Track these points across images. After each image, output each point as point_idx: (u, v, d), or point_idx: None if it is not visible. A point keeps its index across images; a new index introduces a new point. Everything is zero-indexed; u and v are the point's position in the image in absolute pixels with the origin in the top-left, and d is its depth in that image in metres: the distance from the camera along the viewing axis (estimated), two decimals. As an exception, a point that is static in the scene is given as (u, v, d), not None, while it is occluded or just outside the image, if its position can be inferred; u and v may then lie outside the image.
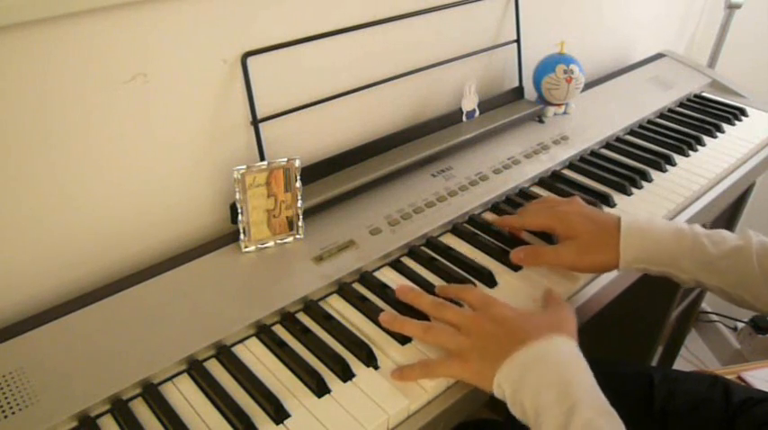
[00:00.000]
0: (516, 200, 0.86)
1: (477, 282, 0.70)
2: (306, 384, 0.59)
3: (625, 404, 0.81)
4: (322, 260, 0.71)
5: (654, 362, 1.41)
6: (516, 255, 0.73)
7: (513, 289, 0.71)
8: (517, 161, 0.92)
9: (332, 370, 0.60)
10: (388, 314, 0.64)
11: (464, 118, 0.95)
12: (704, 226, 0.72)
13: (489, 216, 0.84)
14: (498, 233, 0.79)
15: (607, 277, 0.75)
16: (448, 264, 0.74)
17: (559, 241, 0.73)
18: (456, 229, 0.80)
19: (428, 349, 0.62)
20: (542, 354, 0.56)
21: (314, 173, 0.79)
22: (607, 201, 0.86)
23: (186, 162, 0.73)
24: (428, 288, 0.70)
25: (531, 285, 0.71)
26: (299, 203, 0.73)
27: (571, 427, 0.49)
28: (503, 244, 0.77)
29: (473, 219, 0.82)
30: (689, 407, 0.79)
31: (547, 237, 0.77)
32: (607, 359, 0.89)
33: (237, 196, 0.70)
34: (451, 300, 0.66)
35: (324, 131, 0.85)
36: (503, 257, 0.74)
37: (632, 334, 1.28)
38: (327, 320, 0.65)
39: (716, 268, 0.66)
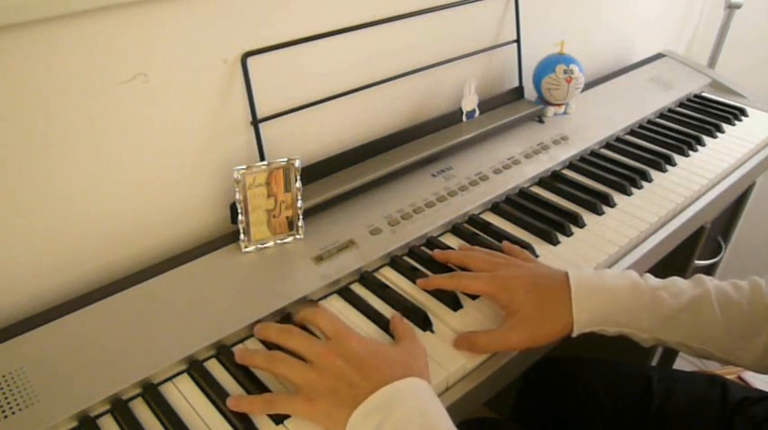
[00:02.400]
0: (516, 200, 0.86)
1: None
2: (306, 384, 0.58)
3: (623, 404, 0.82)
4: (322, 260, 0.71)
5: (654, 363, 1.41)
6: (458, 342, 0.63)
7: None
8: (517, 161, 0.92)
9: (332, 370, 0.60)
10: (239, 352, 0.59)
11: (464, 118, 0.95)
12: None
13: (494, 218, 0.83)
14: (498, 233, 0.79)
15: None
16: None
17: (504, 312, 0.65)
18: (456, 229, 0.80)
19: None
20: (400, 396, 0.51)
21: (314, 173, 0.79)
22: (607, 201, 0.86)
23: (186, 162, 0.73)
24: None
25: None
26: (299, 203, 0.73)
27: None
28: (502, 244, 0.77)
29: (473, 219, 0.82)
30: (687, 406, 0.79)
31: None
32: (605, 359, 0.89)
33: (237, 196, 0.70)
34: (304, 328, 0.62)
35: (324, 131, 0.85)
36: (503, 257, 0.74)
37: (632, 334, 1.28)
38: (327, 320, 0.65)
39: (677, 322, 0.62)
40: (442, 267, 0.72)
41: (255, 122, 0.74)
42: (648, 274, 0.66)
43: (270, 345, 0.61)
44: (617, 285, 0.63)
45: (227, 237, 0.74)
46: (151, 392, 0.57)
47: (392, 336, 0.63)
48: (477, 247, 0.74)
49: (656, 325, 0.62)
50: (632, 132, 1.08)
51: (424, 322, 0.65)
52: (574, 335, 0.62)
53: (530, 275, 0.65)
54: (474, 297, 0.69)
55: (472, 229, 0.80)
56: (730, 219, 1.32)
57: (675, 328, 0.62)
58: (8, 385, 0.55)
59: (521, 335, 0.61)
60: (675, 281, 0.65)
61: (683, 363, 1.75)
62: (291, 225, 0.74)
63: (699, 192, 0.92)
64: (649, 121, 1.12)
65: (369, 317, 0.66)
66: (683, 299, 0.62)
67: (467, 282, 0.67)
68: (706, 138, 1.06)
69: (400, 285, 0.71)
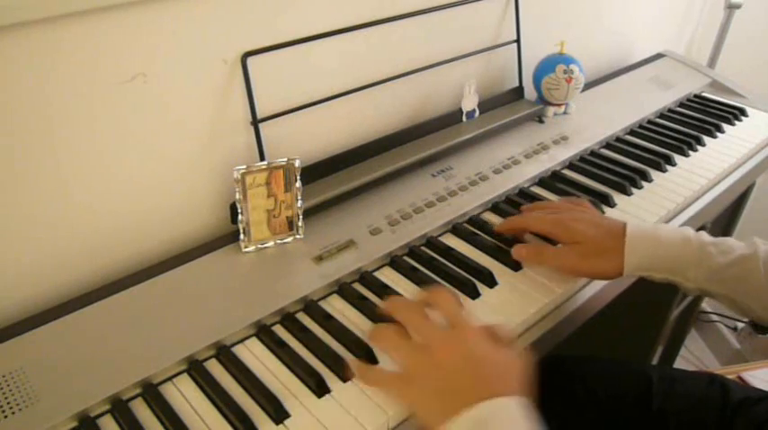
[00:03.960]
0: (516, 200, 0.86)
1: (476, 281, 0.70)
2: (306, 384, 0.59)
3: (624, 403, 0.82)
4: (322, 260, 0.71)
5: (654, 362, 1.41)
6: (518, 251, 0.72)
7: (513, 289, 0.71)
8: (517, 161, 0.92)
9: (332, 370, 0.60)
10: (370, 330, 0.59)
11: (464, 118, 0.95)
12: (705, 227, 0.72)
13: (493, 218, 0.83)
14: (498, 233, 0.79)
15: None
16: (448, 264, 0.74)
17: (563, 246, 0.71)
18: (456, 229, 0.80)
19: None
20: (501, 417, 0.49)
21: (314, 173, 0.79)
22: (607, 200, 0.86)
23: (186, 162, 0.73)
24: (430, 284, 0.70)
25: (531, 285, 0.71)
26: (299, 203, 0.73)
27: None
28: (503, 244, 0.77)
29: (473, 219, 0.82)
30: (687, 406, 0.79)
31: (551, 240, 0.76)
32: (606, 358, 0.89)
33: (237, 196, 0.70)
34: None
35: (324, 131, 0.85)
36: (503, 257, 0.74)
37: (632, 334, 1.28)
38: (327, 320, 0.65)
39: (722, 277, 0.65)
40: (446, 264, 0.73)
41: (255, 122, 0.74)
42: (704, 232, 0.69)
43: (294, 331, 0.62)
44: (668, 237, 0.67)
45: (227, 237, 0.74)
46: (151, 392, 0.57)
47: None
48: (537, 203, 0.80)
49: (701, 277, 0.66)
50: (632, 132, 1.08)
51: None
52: (624, 275, 0.67)
53: (590, 219, 0.71)
54: (475, 296, 0.69)
55: (472, 229, 0.80)
56: (730, 219, 1.32)
57: (720, 283, 0.66)
58: (8, 385, 0.55)
59: (580, 261, 0.68)
60: (727, 240, 0.68)
61: (682, 363, 1.75)
62: (291, 225, 0.74)
63: (699, 192, 0.92)
64: (649, 121, 1.12)
65: (369, 317, 0.66)
66: (731, 256, 0.66)
67: (533, 222, 0.75)
68: (706, 138, 1.06)
69: (400, 285, 0.71)
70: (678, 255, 0.66)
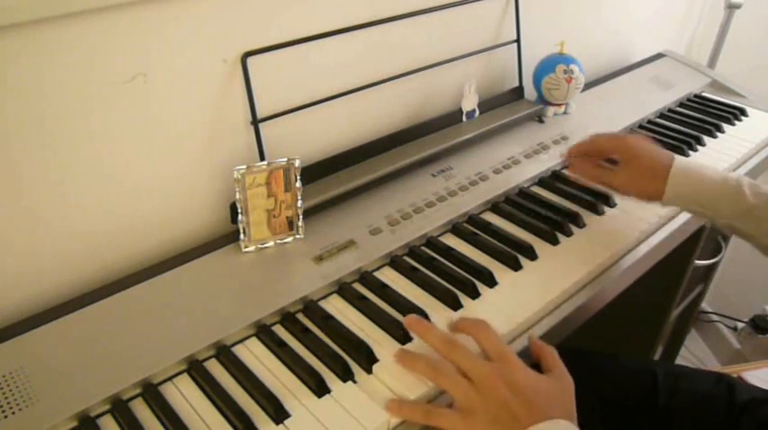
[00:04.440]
0: (516, 200, 0.86)
1: (477, 281, 0.70)
2: (306, 384, 0.59)
3: (629, 399, 0.81)
4: (322, 260, 0.71)
5: (656, 356, 1.41)
6: (575, 166, 0.81)
7: (513, 289, 0.71)
8: (517, 161, 0.92)
9: (332, 370, 0.60)
10: (400, 351, 0.60)
11: (464, 118, 0.95)
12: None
13: (494, 218, 0.83)
14: (498, 233, 0.79)
15: (608, 277, 0.75)
16: (448, 263, 0.74)
17: (619, 166, 0.78)
18: (456, 229, 0.80)
19: (429, 349, 0.62)
20: None
21: (314, 173, 0.79)
22: (607, 201, 0.86)
23: (186, 162, 0.73)
24: (432, 285, 0.70)
25: (531, 285, 0.71)
26: (299, 203, 0.73)
27: None
28: (503, 244, 0.77)
29: (473, 219, 0.82)
30: (693, 403, 0.79)
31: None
32: (610, 353, 0.89)
33: (237, 196, 0.70)
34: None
35: (324, 131, 0.85)
36: (502, 257, 0.74)
37: (632, 333, 1.28)
38: (327, 320, 0.65)
39: (752, 216, 0.71)
40: (446, 264, 0.73)
41: (255, 122, 0.74)
42: (745, 176, 0.75)
43: (294, 331, 0.62)
44: (709, 176, 0.74)
45: (227, 237, 0.74)
46: (151, 392, 0.57)
47: (393, 337, 0.63)
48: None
49: (733, 214, 0.72)
50: (632, 132, 1.08)
51: (425, 317, 0.65)
52: (662, 204, 0.76)
53: (648, 145, 0.78)
54: (475, 296, 0.69)
55: (472, 229, 0.80)
56: (730, 219, 1.32)
57: (749, 221, 0.71)
58: (8, 385, 0.55)
59: (624, 179, 0.77)
60: (764, 185, 0.73)
61: (682, 363, 1.75)
62: (291, 225, 0.74)
63: (699, 192, 0.91)
64: (649, 121, 1.12)
65: (369, 317, 0.66)
66: (762, 199, 0.71)
67: (600, 141, 0.81)
68: (706, 138, 1.06)
69: (400, 285, 0.71)
70: (714, 192, 0.72)
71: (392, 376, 0.59)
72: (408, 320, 0.62)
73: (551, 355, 0.61)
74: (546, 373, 0.59)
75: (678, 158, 0.75)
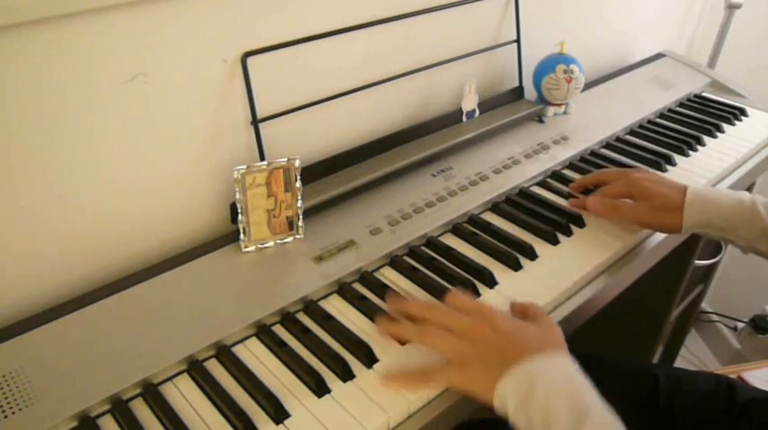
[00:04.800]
0: (516, 200, 0.86)
1: (476, 282, 0.70)
2: (306, 384, 0.59)
3: (630, 402, 0.82)
4: (322, 260, 0.71)
5: (654, 362, 1.41)
6: (593, 204, 0.80)
7: (513, 289, 0.71)
8: (517, 161, 0.92)
9: (332, 370, 0.60)
10: (381, 319, 0.63)
11: (464, 118, 0.95)
12: None
13: (494, 219, 0.83)
14: (499, 233, 0.79)
15: (608, 277, 0.75)
16: (448, 263, 0.74)
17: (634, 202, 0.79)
18: (456, 229, 0.80)
19: (429, 350, 0.62)
20: (547, 367, 0.54)
21: (314, 173, 0.79)
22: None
23: (186, 162, 0.73)
24: (432, 285, 0.70)
25: (531, 285, 0.71)
26: (299, 203, 0.73)
27: None
28: (503, 244, 0.77)
29: (473, 219, 0.82)
30: (694, 404, 0.79)
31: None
32: (610, 357, 0.89)
33: (237, 196, 0.70)
34: None
35: (324, 131, 0.85)
36: (503, 257, 0.74)
37: (632, 333, 1.28)
38: (327, 320, 0.65)
39: None
40: (446, 264, 0.73)
41: (255, 122, 0.74)
42: (759, 195, 0.75)
43: (294, 331, 0.63)
44: (724, 199, 0.74)
45: (227, 237, 0.74)
46: (151, 392, 0.57)
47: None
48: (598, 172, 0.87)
49: (752, 236, 0.72)
50: (632, 132, 1.08)
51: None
52: (682, 232, 0.76)
53: (657, 178, 0.80)
54: (475, 296, 0.69)
55: (472, 229, 0.80)
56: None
57: None
58: (8, 385, 0.55)
59: (652, 215, 0.76)
60: None
61: (682, 363, 1.75)
62: (291, 225, 0.74)
63: (699, 192, 0.92)
64: (649, 121, 1.12)
65: (369, 317, 0.66)
66: None
67: (606, 182, 0.83)
68: (706, 138, 1.06)
69: (400, 285, 0.71)
70: (732, 216, 0.72)
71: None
72: (390, 299, 0.65)
73: (533, 307, 0.64)
74: (534, 322, 0.61)
75: (690, 188, 0.75)
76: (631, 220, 0.79)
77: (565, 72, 0.99)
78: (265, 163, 0.70)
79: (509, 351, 0.55)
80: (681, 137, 1.04)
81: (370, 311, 0.66)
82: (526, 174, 0.90)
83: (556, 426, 0.50)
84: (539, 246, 0.77)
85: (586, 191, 0.87)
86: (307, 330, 0.64)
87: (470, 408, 0.62)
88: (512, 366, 0.54)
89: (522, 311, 0.64)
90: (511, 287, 0.71)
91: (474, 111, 0.96)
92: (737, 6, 1.39)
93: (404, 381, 0.58)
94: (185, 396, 0.58)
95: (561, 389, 0.52)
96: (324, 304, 0.68)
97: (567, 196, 0.87)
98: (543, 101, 1.04)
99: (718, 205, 0.73)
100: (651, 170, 0.88)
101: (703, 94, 1.24)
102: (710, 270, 1.35)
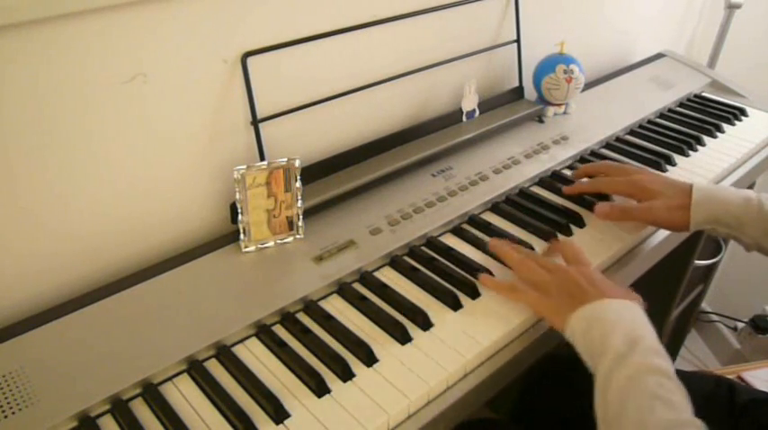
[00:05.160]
0: (516, 200, 0.86)
1: (477, 281, 0.70)
2: (306, 384, 0.59)
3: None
4: (322, 260, 0.71)
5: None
6: (603, 209, 0.80)
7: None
8: (517, 161, 0.92)
9: (332, 370, 0.60)
10: (496, 239, 0.74)
11: (464, 118, 0.95)
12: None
13: (494, 219, 0.83)
14: (499, 233, 0.79)
15: (608, 276, 0.75)
16: (448, 263, 0.74)
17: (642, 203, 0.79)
18: (456, 229, 0.80)
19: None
20: (618, 308, 0.60)
21: (314, 173, 0.79)
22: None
23: (186, 162, 0.73)
24: (432, 285, 0.70)
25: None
26: (299, 203, 0.73)
27: (632, 354, 0.55)
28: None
29: (473, 219, 0.82)
30: (694, 405, 0.79)
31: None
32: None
33: (237, 196, 0.70)
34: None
35: (324, 131, 0.85)
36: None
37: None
38: (327, 320, 0.65)
39: None
40: (446, 264, 0.73)
41: (255, 122, 0.74)
42: (765, 194, 0.75)
43: (294, 331, 0.65)
44: (730, 197, 0.75)
45: (227, 237, 0.74)
46: (151, 392, 0.57)
47: (392, 337, 0.63)
48: (600, 167, 0.88)
49: (758, 234, 0.72)
50: (632, 132, 1.08)
51: (425, 322, 0.65)
52: (690, 229, 0.76)
53: (660, 179, 0.80)
54: (475, 296, 0.69)
55: (472, 229, 0.80)
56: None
57: None
58: (8, 385, 0.55)
59: (660, 212, 0.76)
60: None
61: (683, 363, 1.75)
62: (291, 225, 0.74)
63: (699, 192, 0.91)
64: (649, 121, 1.12)
65: (369, 317, 0.66)
66: None
67: (607, 185, 0.83)
68: (706, 138, 1.06)
69: (400, 285, 0.71)
70: (738, 215, 0.73)
71: (392, 376, 0.59)
72: (492, 242, 0.74)
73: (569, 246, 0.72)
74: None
75: (696, 187, 0.76)
76: (640, 221, 0.79)
77: (565, 72, 0.99)
78: (265, 163, 0.70)
79: (589, 290, 0.63)
80: (681, 137, 1.04)
81: (370, 311, 0.66)
82: (526, 174, 0.90)
83: (611, 343, 0.56)
84: (539, 245, 0.77)
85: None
86: (307, 330, 0.64)
87: (471, 409, 0.62)
88: (588, 302, 0.61)
89: (560, 249, 0.72)
90: (511, 287, 0.71)
91: (474, 111, 0.96)
92: (737, 6, 1.39)
93: (497, 286, 0.68)
94: (185, 396, 0.58)
95: (624, 324, 0.58)
96: (324, 304, 0.68)
97: (562, 194, 0.88)
98: (543, 101, 1.04)
99: (725, 203, 0.74)
100: (652, 170, 0.88)
101: (703, 94, 1.24)
102: (710, 270, 1.35)
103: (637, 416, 0.52)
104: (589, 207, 0.85)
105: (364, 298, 0.68)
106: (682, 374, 0.85)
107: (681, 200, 0.75)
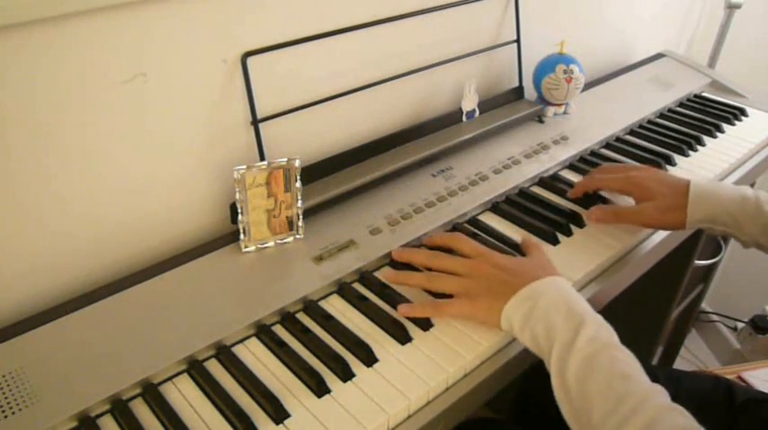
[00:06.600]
0: (516, 200, 0.86)
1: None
2: (306, 384, 0.59)
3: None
4: (322, 260, 0.71)
5: (654, 362, 1.41)
6: (594, 214, 0.80)
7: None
8: (517, 161, 0.92)
9: (332, 370, 0.60)
10: (391, 273, 0.70)
11: (464, 118, 0.95)
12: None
13: (494, 219, 0.83)
14: (498, 233, 0.79)
15: (608, 277, 0.75)
16: (448, 264, 0.73)
17: (636, 203, 0.79)
18: (456, 230, 0.80)
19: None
20: (546, 288, 0.61)
21: (314, 173, 0.79)
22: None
23: (186, 162, 0.73)
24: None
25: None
26: (299, 203, 0.73)
27: (579, 339, 0.55)
28: (503, 244, 0.77)
29: (473, 219, 0.82)
30: (693, 405, 0.79)
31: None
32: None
33: (237, 196, 0.70)
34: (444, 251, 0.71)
35: (324, 131, 0.85)
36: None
37: (632, 333, 1.28)
38: (327, 320, 0.65)
39: None
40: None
41: (255, 122, 0.74)
42: (762, 191, 0.75)
43: (294, 331, 0.65)
44: (727, 195, 0.74)
45: (227, 237, 0.74)
46: (151, 392, 0.57)
47: (392, 336, 0.64)
48: (603, 166, 0.88)
49: (756, 231, 0.72)
50: (632, 132, 1.08)
51: (425, 322, 0.65)
52: (687, 228, 0.75)
53: (658, 177, 0.79)
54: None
55: (472, 229, 0.80)
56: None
57: None
58: (8, 385, 0.55)
59: (651, 215, 0.76)
60: None
61: (683, 363, 1.75)
62: (291, 225, 0.74)
63: (699, 192, 0.91)
64: (649, 121, 1.12)
65: (369, 317, 0.66)
66: None
67: (606, 183, 0.83)
68: (706, 138, 1.06)
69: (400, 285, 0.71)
70: (736, 212, 0.73)
71: (392, 376, 0.59)
72: (396, 252, 0.72)
73: (524, 241, 0.73)
74: (528, 256, 0.70)
75: (693, 184, 0.75)
76: (637, 223, 0.79)
77: (565, 72, 0.99)
78: (265, 163, 0.70)
79: (510, 281, 0.62)
80: (681, 137, 1.04)
81: (370, 311, 0.66)
82: (526, 174, 0.90)
83: (557, 333, 0.56)
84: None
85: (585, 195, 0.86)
86: (307, 330, 0.64)
87: (470, 409, 0.62)
88: (515, 293, 0.61)
89: (524, 246, 0.72)
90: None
91: (474, 111, 0.96)
92: (737, 6, 1.39)
93: (420, 310, 0.65)
94: (185, 396, 0.58)
95: (559, 303, 0.59)
96: (324, 304, 0.68)
97: (566, 197, 0.87)
98: (543, 101, 1.04)
99: (721, 201, 0.73)
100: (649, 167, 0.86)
101: (703, 94, 1.24)
102: (710, 270, 1.35)
103: (602, 402, 0.52)
104: (589, 207, 0.85)
105: (364, 298, 0.68)
106: (679, 375, 0.86)
107: (676, 200, 0.75)
